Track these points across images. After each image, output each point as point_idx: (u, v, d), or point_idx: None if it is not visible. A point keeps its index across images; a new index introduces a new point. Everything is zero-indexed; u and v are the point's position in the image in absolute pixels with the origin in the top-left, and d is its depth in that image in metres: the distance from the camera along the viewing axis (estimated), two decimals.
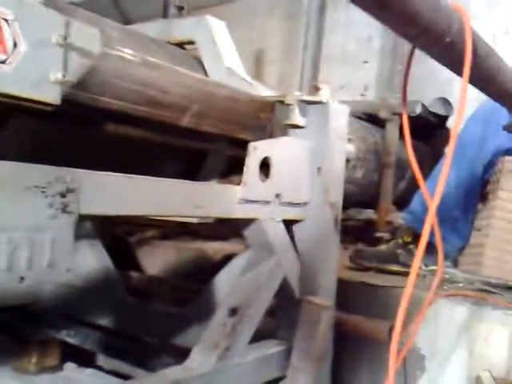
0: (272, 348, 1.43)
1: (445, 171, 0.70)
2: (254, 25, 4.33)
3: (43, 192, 0.83)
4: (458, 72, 0.72)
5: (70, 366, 1.41)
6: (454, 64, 0.73)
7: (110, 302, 1.80)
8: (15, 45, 0.79)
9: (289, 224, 1.39)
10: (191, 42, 1.60)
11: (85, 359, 1.75)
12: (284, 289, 1.41)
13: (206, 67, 1.57)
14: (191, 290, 1.81)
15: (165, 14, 1.95)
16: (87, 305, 1.80)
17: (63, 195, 0.83)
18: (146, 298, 2.05)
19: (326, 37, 3.24)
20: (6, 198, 0.79)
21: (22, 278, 0.82)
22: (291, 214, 1.37)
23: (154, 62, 1.08)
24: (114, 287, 1.83)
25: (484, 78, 0.91)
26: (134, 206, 0.96)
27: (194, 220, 1.54)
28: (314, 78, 3.08)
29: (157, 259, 2.41)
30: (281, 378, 1.43)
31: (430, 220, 0.71)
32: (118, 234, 2.38)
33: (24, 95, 0.80)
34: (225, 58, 1.53)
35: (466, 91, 0.71)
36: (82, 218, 0.87)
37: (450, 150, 0.70)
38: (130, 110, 1.05)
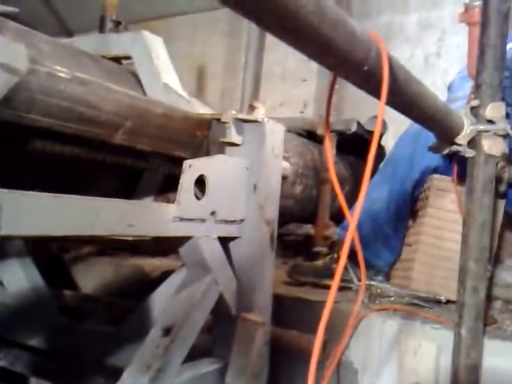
0: (207, 366, 1.42)
1: (363, 189, 0.73)
2: (196, 40, 4.35)
3: None
4: (379, 98, 0.76)
5: None
6: (374, 91, 0.77)
7: (41, 322, 1.74)
8: None
9: (225, 241, 1.39)
10: (128, 57, 1.59)
11: (17, 381, 1.68)
12: (220, 306, 1.41)
13: (143, 83, 1.56)
14: (127, 309, 1.77)
15: (101, 29, 1.93)
16: (17, 325, 1.74)
17: None
18: (81, 318, 2.00)
19: (267, 54, 3.30)
20: None
21: None
22: (227, 231, 1.38)
23: (85, 78, 1.06)
24: (46, 307, 1.78)
25: (405, 103, 0.95)
26: (61, 226, 0.93)
27: (129, 237, 1.52)
28: (255, 95, 3.12)
29: (93, 276, 2.35)
30: None
31: (350, 236, 0.74)
32: (52, 251, 2.31)
33: None
34: (162, 75, 1.53)
35: (382, 116, 0.75)
36: (5, 239, 0.84)
37: (367, 168, 0.73)
38: (59, 127, 1.03)
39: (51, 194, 0.90)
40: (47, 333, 1.73)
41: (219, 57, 4.26)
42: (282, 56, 3.61)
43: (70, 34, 4.66)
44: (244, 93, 3.16)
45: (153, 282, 2.07)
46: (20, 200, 0.86)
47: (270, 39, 3.28)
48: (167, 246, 2.09)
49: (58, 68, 1.02)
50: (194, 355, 1.38)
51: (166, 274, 1.59)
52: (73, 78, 1.05)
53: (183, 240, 1.30)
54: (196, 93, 3.99)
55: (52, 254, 2.26)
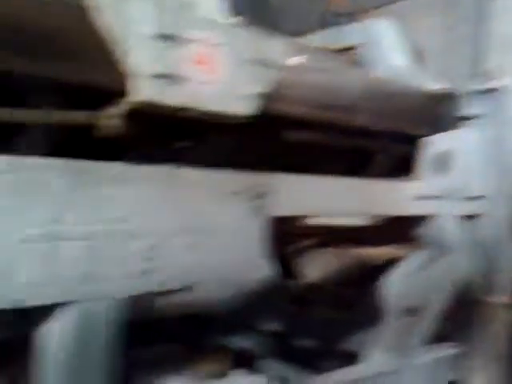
0: (447, 350, 1.38)
1: None
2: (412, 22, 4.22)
3: (239, 195, 0.89)
4: None
5: (238, 373, 1.44)
6: None
7: (273, 310, 1.85)
8: (220, 66, 0.86)
9: (465, 220, 1.34)
10: (353, 48, 1.62)
11: (252, 366, 1.81)
12: (461, 288, 1.36)
13: (375, 68, 1.56)
14: (351, 297, 1.80)
15: (331, 22, 1.96)
16: (254, 312, 1.87)
17: (258, 197, 0.89)
18: (306, 306, 2.07)
19: (492, 25, 3.04)
20: (211, 202, 0.87)
21: None
22: (469, 208, 1.32)
23: (325, 67, 1.12)
24: (278, 296, 1.88)
25: None
26: (318, 206, 1.00)
27: (362, 222, 1.54)
28: (482, 68, 2.91)
29: (315, 267, 2.42)
30: (454, 382, 1.39)
31: None
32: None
33: (228, 111, 0.85)
34: (392, 58, 1.52)
35: None
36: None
37: None
38: (306, 115, 1.09)
39: (312, 176, 0.96)
40: (279, 319, 1.83)
41: (437, 36, 4.08)
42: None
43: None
44: (471, 66, 2.97)
45: (377, 270, 2.06)
46: (289, 182, 0.94)
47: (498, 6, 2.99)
48: (391, 233, 2.06)
49: (304, 62, 1.09)
50: (432, 339, 1.36)
51: (390, 262, 1.57)
52: (315, 68, 1.11)
53: (422, 219, 1.29)
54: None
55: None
